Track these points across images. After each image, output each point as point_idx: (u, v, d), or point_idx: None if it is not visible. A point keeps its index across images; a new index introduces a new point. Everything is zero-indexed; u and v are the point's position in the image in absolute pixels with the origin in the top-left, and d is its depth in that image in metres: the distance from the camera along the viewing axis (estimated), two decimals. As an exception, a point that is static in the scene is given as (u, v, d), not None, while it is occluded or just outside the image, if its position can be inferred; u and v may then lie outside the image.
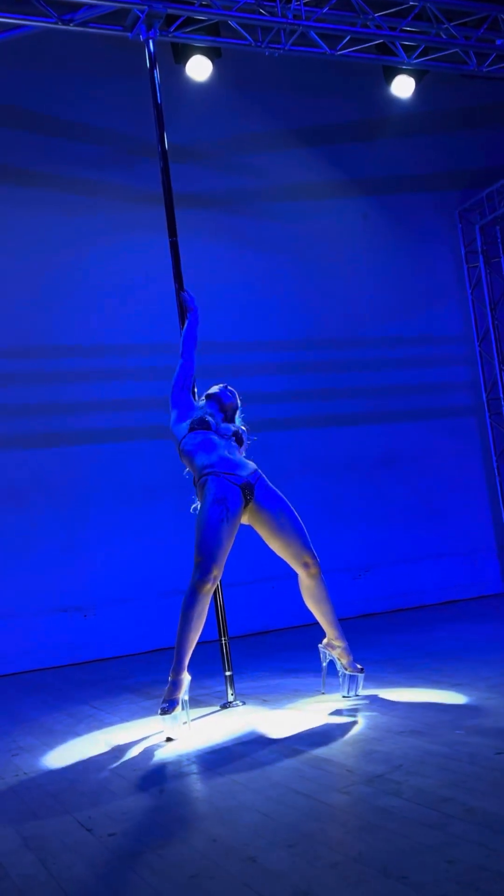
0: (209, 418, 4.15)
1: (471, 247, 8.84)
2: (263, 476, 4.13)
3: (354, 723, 3.60)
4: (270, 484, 4.14)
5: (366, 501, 8.10)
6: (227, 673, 4.39)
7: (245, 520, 4.09)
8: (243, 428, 4.32)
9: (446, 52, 7.21)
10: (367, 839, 2.28)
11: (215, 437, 4.10)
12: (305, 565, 4.07)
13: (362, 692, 4.13)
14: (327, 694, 4.24)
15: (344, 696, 4.11)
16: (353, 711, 3.82)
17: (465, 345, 8.81)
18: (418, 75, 7.69)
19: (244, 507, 4.01)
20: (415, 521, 8.25)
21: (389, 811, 2.46)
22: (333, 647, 4.19)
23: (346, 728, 3.53)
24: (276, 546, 4.11)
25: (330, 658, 4.24)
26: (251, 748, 3.42)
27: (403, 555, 8.14)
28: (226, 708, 4.27)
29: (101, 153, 7.59)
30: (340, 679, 4.17)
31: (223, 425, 4.19)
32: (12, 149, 7.30)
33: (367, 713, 3.75)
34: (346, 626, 6.96)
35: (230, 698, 4.34)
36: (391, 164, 8.65)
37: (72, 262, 7.34)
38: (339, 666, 4.19)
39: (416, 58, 7.15)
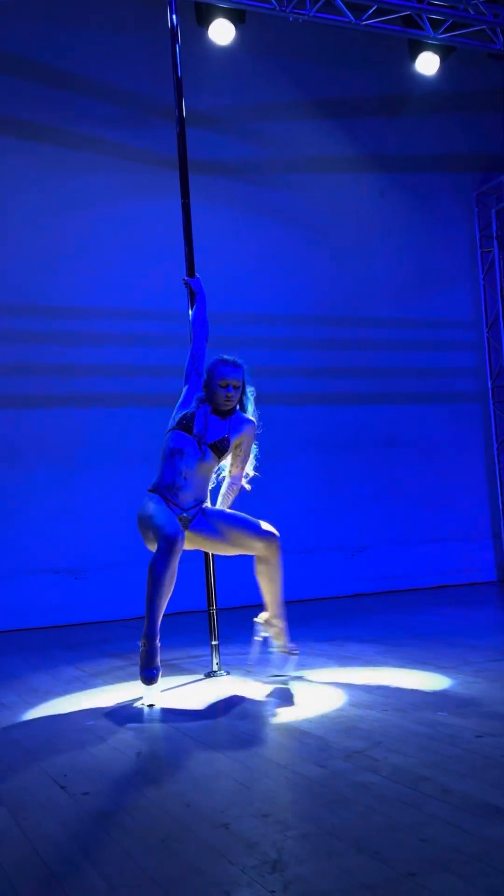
0: (196, 425, 4.08)
1: (486, 231, 8.74)
2: (205, 509, 4.06)
3: (337, 698, 3.59)
4: (209, 508, 4.09)
5: (365, 482, 8.06)
6: (214, 642, 4.39)
7: (189, 546, 4.04)
8: (251, 418, 4.22)
9: (473, 29, 7.09)
10: (341, 813, 2.27)
11: (194, 446, 4.03)
12: (270, 538, 4.03)
13: (292, 673, 4.14)
14: (255, 669, 4.26)
15: (273, 676, 4.12)
16: (333, 686, 3.81)
17: (474, 330, 8.73)
18: (444, 52, 7.58)
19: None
20: (412, 505, 8.22)
21: (366, 787, 2.44)
22: (272, 626, 4.19)
23: (328, 703, 3.52)
24: (232, 549, 4.08)
25: (265, 635, 4.24)
26: (232, 717, 3.42)
27: (399, 537, 8.12)
28: (210, 677, 4.27)
29: (117, 112, 7.47)
30: (272, 657, 4.19)
31: (210, 430, 4.08)
32: (27, 103, 7.18)
33: (350, 690, 3.74)
34: (339, 604, 6.97)
35: (215, 667, 4.34)
36: (410, 142, 8.52)
37: (79, 222, 7.23)
38: (273, 645, 4.20)
39: (443, 33, 7.03)
